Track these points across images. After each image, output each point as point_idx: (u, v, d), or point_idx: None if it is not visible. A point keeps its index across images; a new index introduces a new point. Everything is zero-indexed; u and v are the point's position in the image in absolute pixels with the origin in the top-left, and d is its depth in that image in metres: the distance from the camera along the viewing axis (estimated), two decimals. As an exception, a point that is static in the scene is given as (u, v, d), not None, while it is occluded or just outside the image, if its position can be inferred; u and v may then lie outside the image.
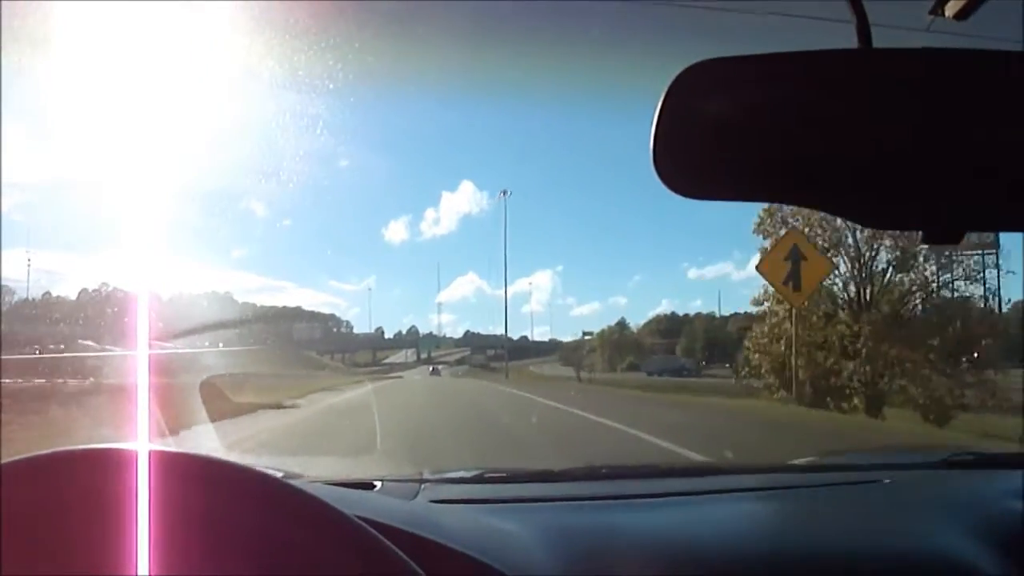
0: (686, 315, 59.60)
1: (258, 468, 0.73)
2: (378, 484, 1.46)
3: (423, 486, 1.47)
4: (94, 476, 0.65)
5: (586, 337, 47.62)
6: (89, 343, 14.46)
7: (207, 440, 6.45)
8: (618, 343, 47.67)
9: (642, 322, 53.95)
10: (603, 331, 48.64)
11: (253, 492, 0.68)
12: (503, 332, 54.56)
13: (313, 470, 1.53)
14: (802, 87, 0.72)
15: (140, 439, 0.73)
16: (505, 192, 42.69)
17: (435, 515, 1.20)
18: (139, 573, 0.62)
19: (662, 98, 0.69)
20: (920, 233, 0.76)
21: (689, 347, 48.54)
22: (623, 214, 75.72)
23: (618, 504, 1.44)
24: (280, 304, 47.45)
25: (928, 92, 0.71)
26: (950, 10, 1.00)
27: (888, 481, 1.60)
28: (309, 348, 43.18)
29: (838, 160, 0.72)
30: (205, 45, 6.90)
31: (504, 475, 1.70)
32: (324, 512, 0.69)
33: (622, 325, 51.16)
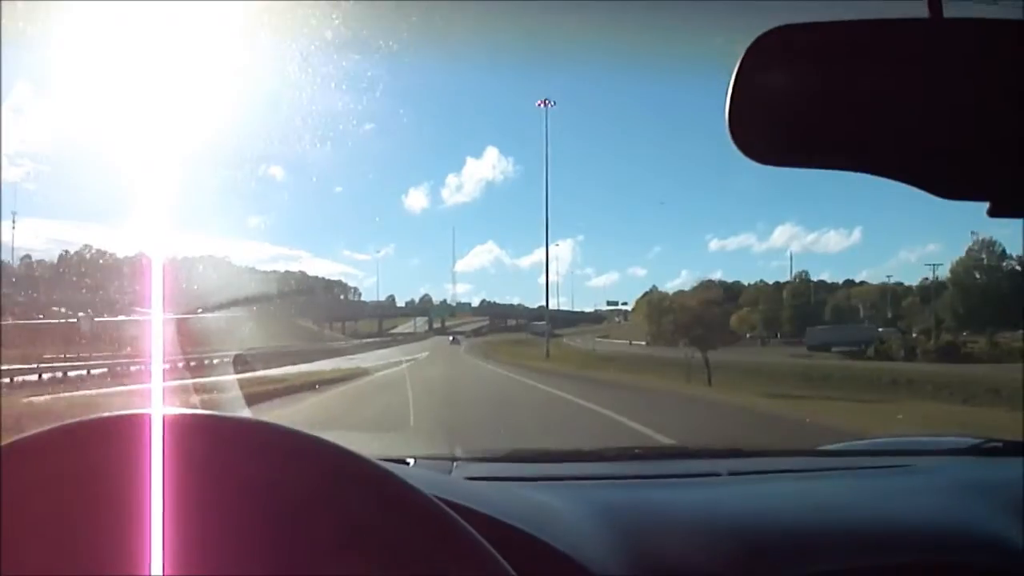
0: (736, 282, 53.79)
1: (281, 425, 0.68)
2: (411, 461, 1.45)
3: (455, 464, 1.49)
4: (109, 444, 0.64)
5: (612, 308, 41.67)
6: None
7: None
8: (668, 311, 40.80)
9: (687, 289, 47.49)
10: (650, 297, 41.76)
11: (289, 452, 0.66)
12: (520, 303, 48.41)
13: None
14: (873, 56, 0.73)
15: (155, 403, 0.68)
16: (547, 102, 34.09)
17: (477, 491, 1.16)
18: (154, 543, 0.61)
19: (738, 64, 0.70)
20: (988, 204, 0.75)
21: (772, 316, 41.86)
22: (646, 185, 73.06)
23: (654, 483, 1.47)
24: (282, 270, 44.20)
25: (996, 62, 0.71)
26: None
27: (919, 466, 1.61)
28: (306, 316, 37.93)
29: (907, 129, 0.73)
30: (221, 5, 6.75)
31: (536, 454, 1.75)
32: (344, 459, 0.67)
33: (660, 293, 44.42)
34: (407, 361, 24.47)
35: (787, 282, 46.62)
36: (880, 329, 35.80)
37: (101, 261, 28.01)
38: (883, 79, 0.72)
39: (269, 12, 7.49)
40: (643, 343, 35.58)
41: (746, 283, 50.47)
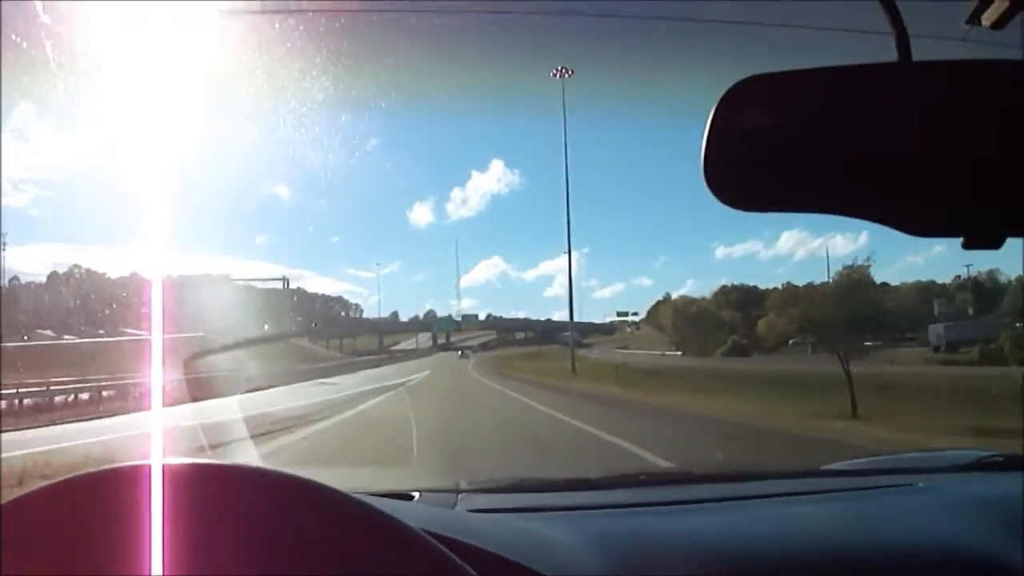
0: (754, 287, 50.80)
1: (286, 472, 0.69)
2: (416, 495, 1.46)
3: (460, 496, 1.50)
4: (110, 497, 0.65)
5: (622, 318, 38.75)
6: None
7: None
8: (696, 318, 37.52)
9: (706, 295, 44.32)
10: (675, 304, 38.65)
11: (295, 498, 0.66)
12: (527, 316, 45.38)
13: (343, 483, 0.92)
14: (846, 100, 0.76)
15: (155, 455, 0.68)
16: (564, 71, 28.44)
17: (477, 523, 1.20)
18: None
19: (712, 111, 0.72)
20: (961, 239, 0.76)
21: (815, 320, 38.39)
22: (649, 195, 70.76)
23: (655, 510, 1.46)
24: (279, 288, 42.76)
25: (966, 102, 0.75)
26: (987, 19, 0.99)
27: (921, 484, 1.59)
28: (302, 334, 34.94)
29: (882, 170, 0.75)
30: (221, 28, 6.94)
31: (540, 484, 1.75)
32: (365, 512, 0.67)
33: (686, 298, 41.14)
34: (396, 386, 18.97)
35: (825, 283, 43.44)
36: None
37: (91, 283, 28.02)
38: (855, 123, 0.75)
39: (272, 28, 7.75)
40: (678, 352, 32.16)
41: (763, 287, 47.56)
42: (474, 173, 72.71)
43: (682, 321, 37.36)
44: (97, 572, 0.63)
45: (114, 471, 0.66)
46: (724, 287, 47.92)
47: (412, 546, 0.66)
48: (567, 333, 35.16)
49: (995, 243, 0.76)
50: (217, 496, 0.65)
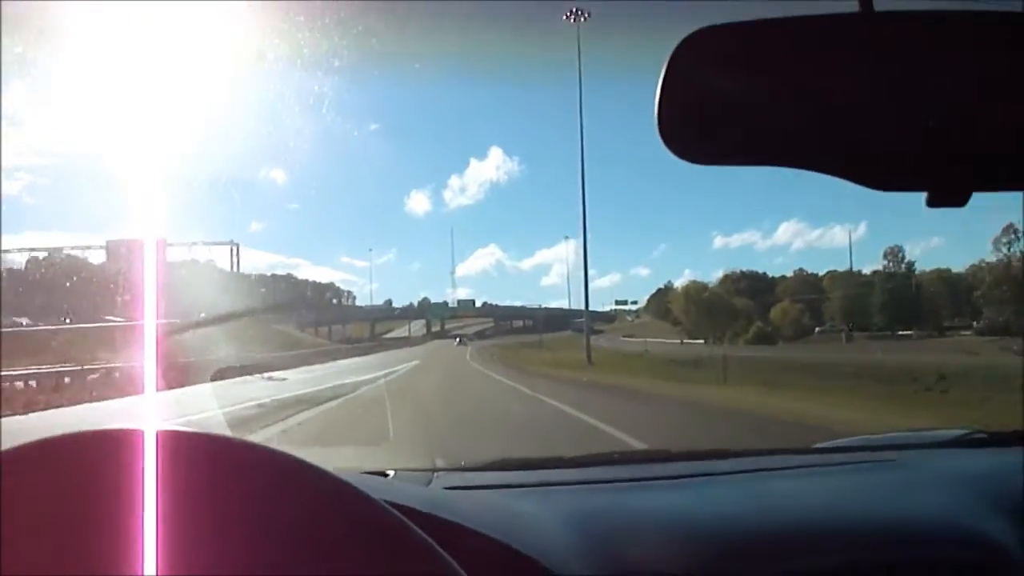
0: (763, 274, 49.10)
1: (269, 447, 0.71)
2: (391, 473, 1.43)
3: (436, 475, 1.47)
4: (100, 460, 0.65)
5: (621, 307, 37.09)
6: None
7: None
8: (709, 305, 35.41)
9: (712, 282, 42.32)
10: (687, 290, 36.51)
11: (265, 471, 0.68)
12: (524, 305, 43.42)
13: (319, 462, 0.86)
14: (805, 52, 0.75)
15: (147, 419, 0.68)
16: (577, 13, 25.82)
17: (451, 500, 1.18)
18: (146, 555, 0.62)
19: (665, 65, 0.72)
20: (925, 195, 0.76)
21: (855, 307, 36.20)
22: (649, 184, 70.68)
23: (635, 486, 1.44)
24: (269, 274, 42.30)
25: (930, 53, 0.73)
26: None
27: (903, 460, 1.59)
28: (288, 321, 32.51)
29: (842, 123, 0.74)
30: (220, 11, 6.96)
31: (517, 462, 1.67)
32: (338, 489, 0.68)
33: (698, 284, 39.01)
34: (365, 383, 14.33)
35: (828, 272, 41.30)
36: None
37: (70, 268, 27.00)
38: (813, 75, 0.73)
39: (268, 17, 7.78)
40: (699, 341, 29.93)
41: (771, 275, 45.70)
42: (472, 161, 72.08)
43: (694, 308, 35.32)
44: (78, 538, 0.62)
45: (101, 433, 0.66)
46: (730, 274, 46.04)
47: (382, 523, 0.67)
48: (579, 320, 32.79)
49: (960, 200, 0.75)
50: (207, 466, 0.65)
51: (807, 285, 47.77)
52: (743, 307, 38.92)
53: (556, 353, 27.94)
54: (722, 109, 0.73)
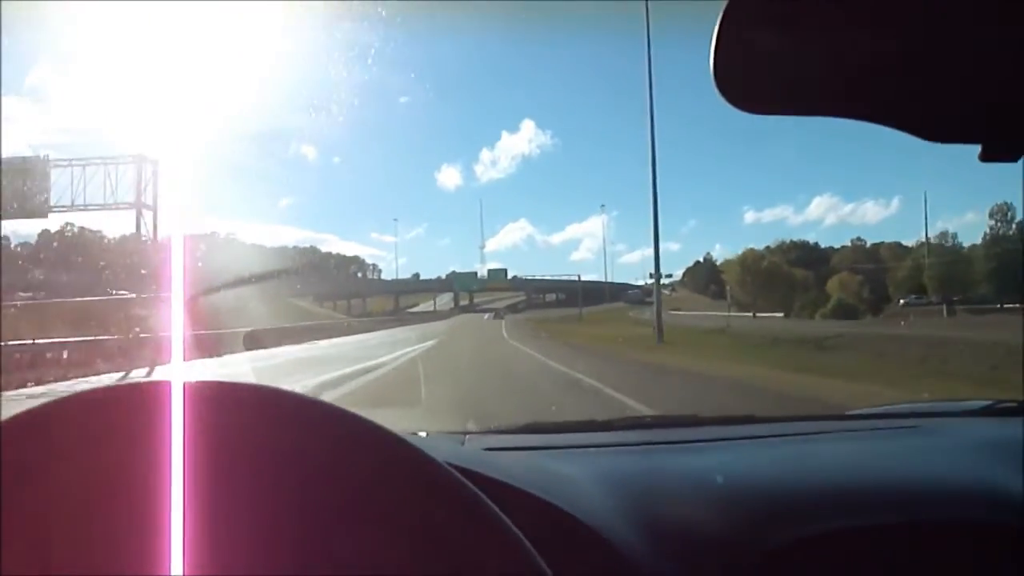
0: (815, 244, 45.72)
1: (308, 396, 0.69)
2: (423, 434, 1.42)
3: (467, 437, 1.50)
4: (129, 413, 0.65)
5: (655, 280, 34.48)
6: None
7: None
8: (768, 275, 32.18)
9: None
10: (744, 259, 33.28)
11: (306, 419, 0.66)
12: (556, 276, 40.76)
13: None
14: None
15: (175, 372, 0.66)
16: None
17: (487, 458, 1.22)
18: (174, 511, 0.62)
19: (721, 12, 0.72)
20: (980, 147, 0.74)
21: (952, 277, 32.54)
22: (681, 158, 71.51)
23: (667, 448, 1.47)
24: (291, 246, 41.93)
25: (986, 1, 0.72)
26: None
27: (929, 426, 1.59)
28: (307, 294, 30.08)
29: (894, 71, 0.74)
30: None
31: (550, 425, 1.73)
32: (373, 433, 0.67)
33: (755, 252, 35.69)
34: (362, 372, 10.85)
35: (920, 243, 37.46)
36: None
37: (81, 243, 27.93)
38: (867, 21, 0.72)
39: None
40: (778, 314, 26.72)
41: (823, 245, 42.51)
42: (504, 134, 69.73)
43: (750, 279, 32.10)
44: (109, 491, 0.62)
45: (130, 386, 0.66)
46: (783, 244, 42.63)
47: (429, 474, 0.66)
48: (633, 291, 29.53)
49: (1015, 155, 0.73)
50: (231, 416, 0.64)
51: (865, 255, 44.04)
52: (802, 278, 35.66)
53: (609, 329, 24.69)
54: (775, 57, 0.72)
